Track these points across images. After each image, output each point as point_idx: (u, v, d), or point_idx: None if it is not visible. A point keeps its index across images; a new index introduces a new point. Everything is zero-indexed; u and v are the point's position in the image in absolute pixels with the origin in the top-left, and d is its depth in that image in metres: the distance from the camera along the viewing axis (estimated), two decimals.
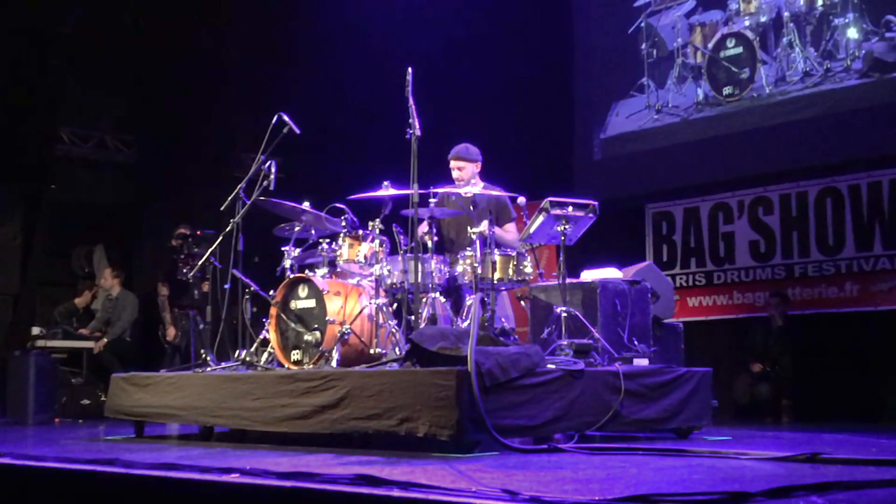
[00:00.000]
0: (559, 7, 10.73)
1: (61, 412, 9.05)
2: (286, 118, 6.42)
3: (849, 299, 8.63)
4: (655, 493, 2.98)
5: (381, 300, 6.02)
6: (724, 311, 9.40)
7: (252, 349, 6.21)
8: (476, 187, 6.47)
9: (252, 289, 6.38)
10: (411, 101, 5.70)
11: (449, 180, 6.70)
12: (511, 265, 5.96)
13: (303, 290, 6.14)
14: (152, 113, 11.73)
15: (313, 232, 6.60)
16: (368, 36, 10.97)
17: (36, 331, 9.66)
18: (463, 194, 6.61)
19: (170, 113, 11.50)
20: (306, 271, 6.35)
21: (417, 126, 5.67)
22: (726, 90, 9.57)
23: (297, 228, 6.49)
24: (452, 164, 6.70)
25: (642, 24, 10.22)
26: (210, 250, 6.79)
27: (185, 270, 8.57)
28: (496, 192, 6.54)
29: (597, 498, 2.99)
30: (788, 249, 9.05)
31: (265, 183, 6.38)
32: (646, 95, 10.15)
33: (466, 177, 6.66)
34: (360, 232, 6.23)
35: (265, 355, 6.19)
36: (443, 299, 6.10)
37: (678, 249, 9.80)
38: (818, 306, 8.80)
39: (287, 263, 6.40)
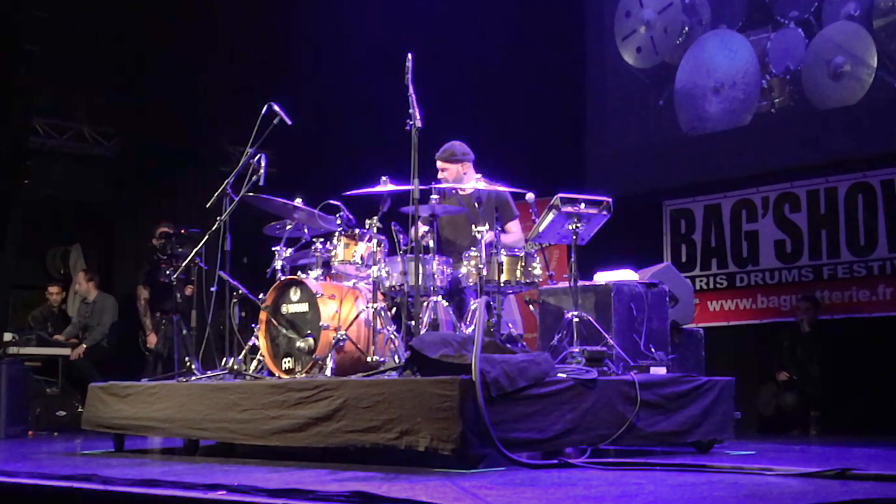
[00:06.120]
0: None
1: (35, 424, 9.06)
2: (277, 108, 6.42)
3: (882, 303, 8.62)
4: None
5: (379, 304, 6.02)
6: (748, 316, 9.39)
7: (240, 357, 6.21)
8: (480, 183, 6.47)
9: (240, 292, 6.38)
10: (411, 90, 5.70)
11: None
12: (519, 267, 5.96)
13: (295, 294, 6.14)
14: (133, 103, 11.73)
15: (306, 231, 6.60)
16: (366, 20, 10.98)
17: (8, 337, 9.65)
18: (460, 191, 6.61)
19: (152, 103, 11.50)
20: (298, 273, 6.36)
21: (418, 117, 5.66)
22: None
23: (288, 227, 6.50)
24: (437, 164, 6.70)
25: None
26: (195, 250, 6.79)
27: (167, 272, 8.58)
28: (500, 188, 6.53)
29: None
30: (816, 250, 9.05)
31: (254, 178, 6.37)
32: None
33: (451, 178, 6.65)
34: (357, 231, 6.23)
35: (254, 363, 6.20)
36: (445, 303, 6.10)
37: (698, 249, 9.79)
38: (849, 310, 8.79)
39: (278, 265, 6.40)
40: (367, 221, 6.24)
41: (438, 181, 6.56)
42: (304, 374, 5.88)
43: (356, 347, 5.95)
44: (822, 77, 9.09)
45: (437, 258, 6.07)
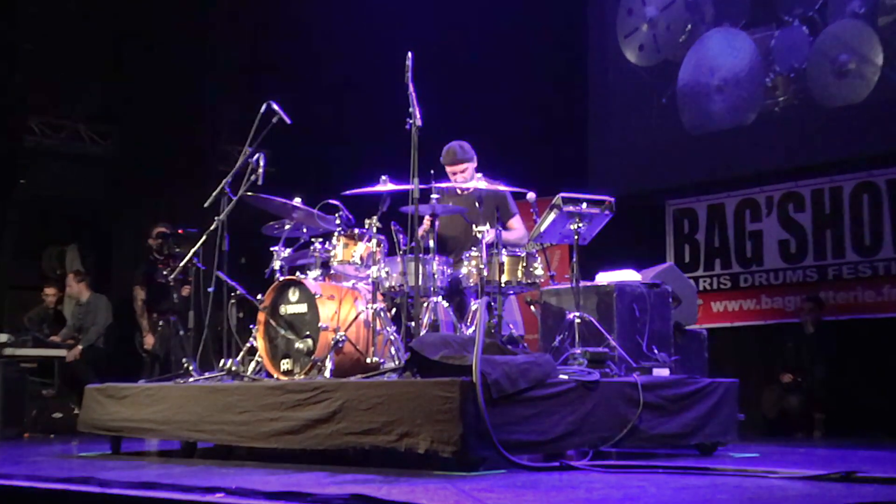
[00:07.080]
0: None
1: (31, 426, 9.06)
2: (276, 107, 6.41)
3: (887, 304, 8.62)
4: None
5: (379, 305, 6.02)
6: (752, 317, 9.39)
7: (238, 358, 6.21)
8: (480, 183, 6.46)
9: (238, 292, 6.38)
10: (411, 89, 5.70)
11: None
12: (520, 267, 5.96)
13: (293, 294, 6.14)
14: (130, 101, 11.73)
15: (305, 230, 6.60)
16: (366, 17, 10.98)
17: (3, 338, 9.64)
18: (459, 191, 6.61)
19: (149, 101, 11.50)
20: (297, 273, 6.35)
21: (418, 115, 5.67)
22: None
23: (287, 227, 6.49)
24: (451, 168, 6.69)
25: None
26: (192, 251, 6.79)
27: (164, 272, 8.57)
28: (500, 188, 6.53)
29: None
30: (821, 250, 9.05)
31: (253, 177, 6.37)
32: None
33: (469, 176, 6.66)
34: (356, 231, 6.23)
35: (252, 365, 6.19)
36: (445, 304, 6.10)
37: (701, 250, 9.79)
38: (853, 311, 8.79)
39: (276, 265, 6.40)
40: (367, 221, 6.23)
41: (439, 180, 6.56)
42: (302, 376, 5.88)
43: (355, 349, 5.95)
44: (827, 75, 9.09)
45: (437, 258, 6.07)
